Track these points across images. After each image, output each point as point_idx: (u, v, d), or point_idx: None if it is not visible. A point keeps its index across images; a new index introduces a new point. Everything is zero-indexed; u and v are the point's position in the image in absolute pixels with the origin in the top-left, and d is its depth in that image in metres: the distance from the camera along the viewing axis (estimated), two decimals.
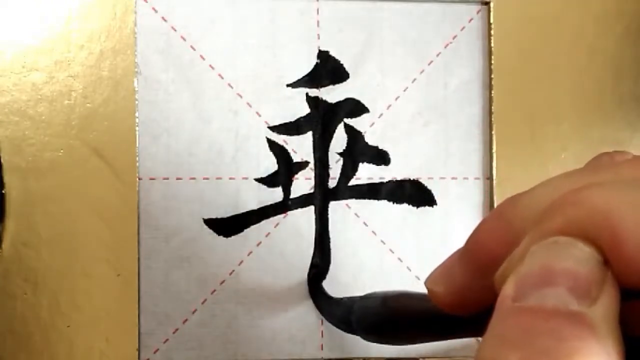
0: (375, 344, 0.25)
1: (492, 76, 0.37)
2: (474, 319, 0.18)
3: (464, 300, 0.18)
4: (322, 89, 0.37)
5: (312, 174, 0.36)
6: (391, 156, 0.37)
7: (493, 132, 0.37)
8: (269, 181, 0.36)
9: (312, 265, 0.36)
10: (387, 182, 0.37)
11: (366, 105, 0.37)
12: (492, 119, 0.37)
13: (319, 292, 0.35)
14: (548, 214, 0.15)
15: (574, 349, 0.13)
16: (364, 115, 0.37)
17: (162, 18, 0.36)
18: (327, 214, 0.36)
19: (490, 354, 0.14)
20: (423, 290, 0.20)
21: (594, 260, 0.14)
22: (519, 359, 0.13)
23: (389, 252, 0.37)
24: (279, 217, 0.36)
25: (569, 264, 0.14)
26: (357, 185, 0.37)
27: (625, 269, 0.14)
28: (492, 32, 0.37)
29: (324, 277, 0.36)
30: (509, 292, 0.14)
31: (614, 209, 0.14)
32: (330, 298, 0.34)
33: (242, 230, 0.36)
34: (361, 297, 0.26)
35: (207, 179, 0.36)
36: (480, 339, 0.18)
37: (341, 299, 0.32)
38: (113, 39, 0.35)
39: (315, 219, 0.36)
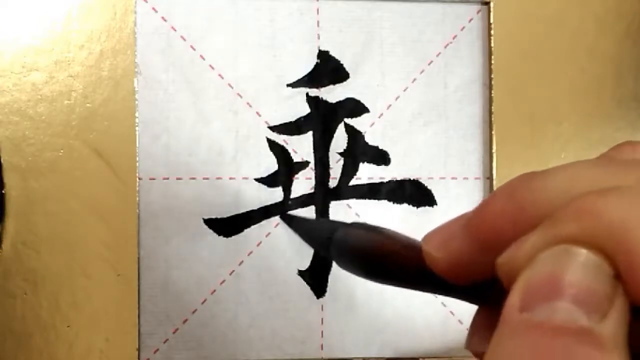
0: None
1: (492, 76, 0.37)
2: (466, 288, 0.18)
3: (460, 270, 0.17)
4: (322, 89, 0.37)
5: (313, 174, 0.36)
6: (391, 156, 0.37)
7: (493, 132, 0.37)
8: (269, 181, 0.36)
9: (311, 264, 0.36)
10: (387, 182, 0.37)
11: (366, 105, 0.37)
12: (492, 119, 0.37)
13: (295, 216, 0.34)
14: (562, 217, 0.14)
15: None
16: (364, 115, 0.37)
17: (162, 18, 0.36)
18: (327, 214, 0.36)
19: None
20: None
21: (604, 274, 0.14)
22: None
23: None
24: (279, 217, 0.36)
25: (578, 276, 0.13)
26: (357, 185, 0.37)
27: (639, 288, 0.13)
28: (492, 32, 0.37)
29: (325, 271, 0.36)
30: (515, 301, 0.14)
31: (633, 228, 0.13)
32: (308, 220, 0.32)
33: (242, 230, 0.36)
34: (344, 225, 0.23)
35: (207, 179, 0.36)
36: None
37: (321, 222, 0.30)
38: (113, 39, 0.35)
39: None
